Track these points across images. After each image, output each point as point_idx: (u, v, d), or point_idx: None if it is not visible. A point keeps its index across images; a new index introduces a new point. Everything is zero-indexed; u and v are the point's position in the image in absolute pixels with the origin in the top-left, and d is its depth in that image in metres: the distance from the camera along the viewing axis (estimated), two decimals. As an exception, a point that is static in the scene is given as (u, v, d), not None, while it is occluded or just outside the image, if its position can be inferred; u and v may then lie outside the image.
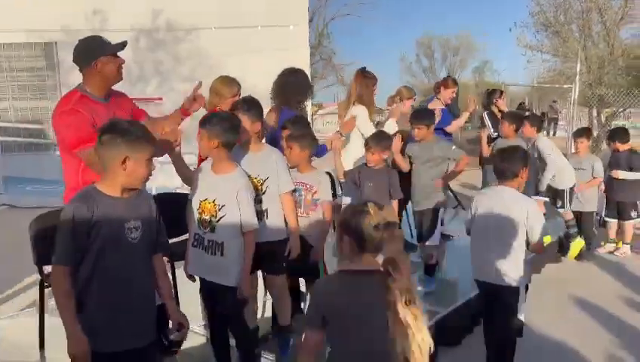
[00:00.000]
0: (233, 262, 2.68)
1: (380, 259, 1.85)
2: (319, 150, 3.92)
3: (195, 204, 2.75)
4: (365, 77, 4.68)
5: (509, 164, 3.08)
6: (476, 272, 3.20)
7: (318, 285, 2.11)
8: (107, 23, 10.48)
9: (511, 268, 3.01)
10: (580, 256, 5.73)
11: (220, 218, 2.66)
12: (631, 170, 5.81)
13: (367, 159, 3.90)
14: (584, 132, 6.08)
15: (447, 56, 42.41)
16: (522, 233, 3.00)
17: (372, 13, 55.80)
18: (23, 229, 3.21)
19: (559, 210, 5.73)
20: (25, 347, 3.28)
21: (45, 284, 3.05)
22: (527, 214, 2.98)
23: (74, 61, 2.83)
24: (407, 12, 66.41)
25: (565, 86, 11.23)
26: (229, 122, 2.67)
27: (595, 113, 13.15)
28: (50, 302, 3.24)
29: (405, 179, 4.26)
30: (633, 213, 5.90)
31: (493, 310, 3.12)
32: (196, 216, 2.74)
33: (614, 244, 6.04)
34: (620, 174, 5.77)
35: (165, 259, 2.34)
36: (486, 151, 5.57)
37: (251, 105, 2.93)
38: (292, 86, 3.91)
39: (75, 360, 1.92)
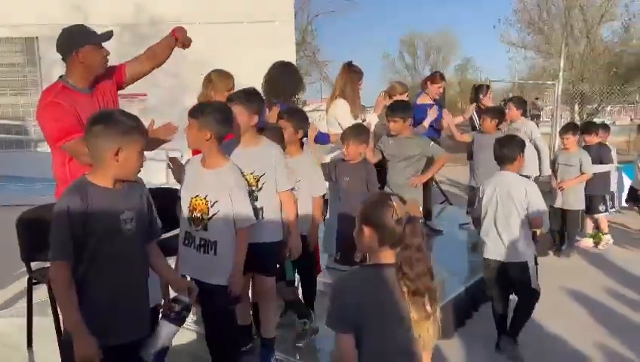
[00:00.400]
0: (226, 261, 2.57)
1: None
2: (321, 138, 4.04)
3: (185, 200, 2.61)
4: (351, 71, 4.63)
5: (509, 151, 3.45)
6: (487, 251, 3.48)
7: (341, 284, 1.93)
8: (89, 18, 10.31)
9: (518, 245, 3.34)
10: (559, 252, 5.81)
11: (213, 215, 2.52)
12: (601, 162, 5.88)
13: (344, 153, 3.73)
14: (570, 127, 6.07)
15: (430, 53, 42.70)
16: (524, 210, 3.33)
17: (356, 11, 55.97)
18: (3, 227, 3.13)
19: None
20: (12, 345, 3.22)
21: (34, 281, 2.98)
22: (525, 192, 3.33)
23: (57, 50, 2.73)
24: (390, 10, 66.65)
25: (549, 82, 11.39)
26: (222, 113, 2.54)
27: (577, 109, 13.34)
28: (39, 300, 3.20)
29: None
30: (601, 207, 5.96)
31: (506, 286, 3.46)
32: (186, 213, 2.60)
33: (592, 239, 6.10)
34: (594, 168, 5.72)
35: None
36: (458, 136, 5.53)
37: (252, 96, 2.79)
38: (283, 80, 3.87)
39: None
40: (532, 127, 5.76)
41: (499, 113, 5.27)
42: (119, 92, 3.02)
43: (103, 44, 2.79)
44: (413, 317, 1.74)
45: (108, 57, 2.78)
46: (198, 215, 2.54)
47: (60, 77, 2.73)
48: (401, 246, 1.75)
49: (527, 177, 5.38)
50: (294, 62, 11.44)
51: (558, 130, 10.38)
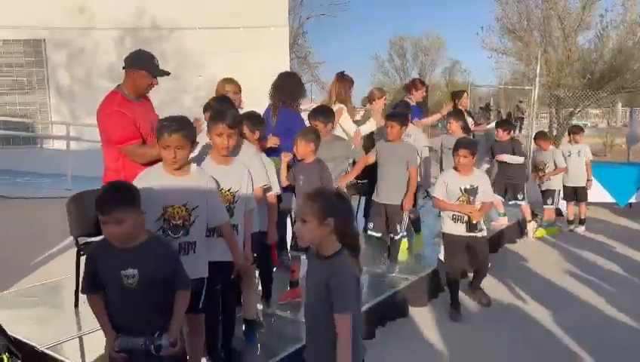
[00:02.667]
0: (204, 257, 2.75)
1: None
2: None
3: (156, 210, 2.58)
4: (344, 80, 5.31)
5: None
6: None
7: (351, 273, 2.15)
8: (94, 21, 10.87)
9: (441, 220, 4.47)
10: None
11: (193, 221, 2.65)
12: (513, 153, 6.46)
13: (296, 152, 3.94)
14: (451, 114, 6.26)
15: (418, 55, 43.44)
16: None
17: (346, 14, 56.80)
18: (21, 217, 3.65)
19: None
20: (63, 306, 3.85)
21: (81, 253, 3.59)
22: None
23: (124, 60, 3.35)
24: (380, 11, 67.49)
25: (526, 88, 12.09)
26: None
27: (554, 113, 14.07)
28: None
29: None
30: (519, 196, 6.59)
31: None
32: (160, 223, 2.60)
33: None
34: (505, 157, 6.41)
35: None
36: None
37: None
38: (287, 88, 4.47)
39: None
40: (421, 137, 5.53)
41: (405, 118, 4.90)
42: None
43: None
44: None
45: (154, 86, 3.38)
46: (179, 222, 2.62)
47: (117, 87, 3.35)
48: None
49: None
50: (288, 67, 12.06)
51: (534, 132, 11.17)
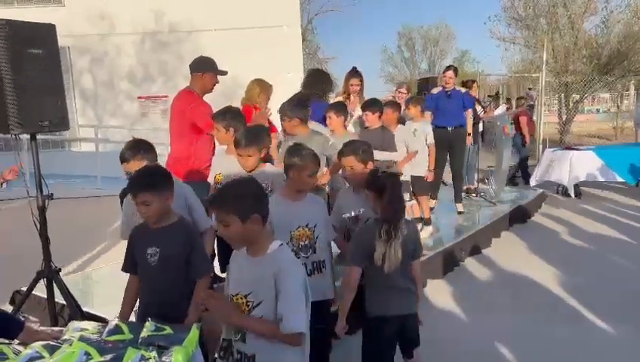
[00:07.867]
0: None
1: None
2: None
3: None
4: (355, 75, 5.69)
5: None
6: None
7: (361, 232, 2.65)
8: (114, 28, 11.38)
9: None
10: None
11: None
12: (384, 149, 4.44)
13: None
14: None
15: (427, 46, 43.51)
16: None
17: (354, 8, 57.47)
18: (66, 214, 4.07)
19: None
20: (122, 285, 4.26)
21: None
22: None
23: (190, 65, 3.91)
24: (388, 3, 67.54)
25: (534, 75, 12.36)
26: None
27: (563, 98, 14.32)
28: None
29: None
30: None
31: None
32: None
33: None
34: (377, 155, 3.86)
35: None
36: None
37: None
38: (319, 83, 4.90)
39: None
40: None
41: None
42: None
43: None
44: None
45: (217, 85, 3.96)
46: (306, 243, 2.33)
47: (188, 87, 3.90)
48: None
49: None
50: (302, 62, 12.44)
51: (543, 120, 11.46)
